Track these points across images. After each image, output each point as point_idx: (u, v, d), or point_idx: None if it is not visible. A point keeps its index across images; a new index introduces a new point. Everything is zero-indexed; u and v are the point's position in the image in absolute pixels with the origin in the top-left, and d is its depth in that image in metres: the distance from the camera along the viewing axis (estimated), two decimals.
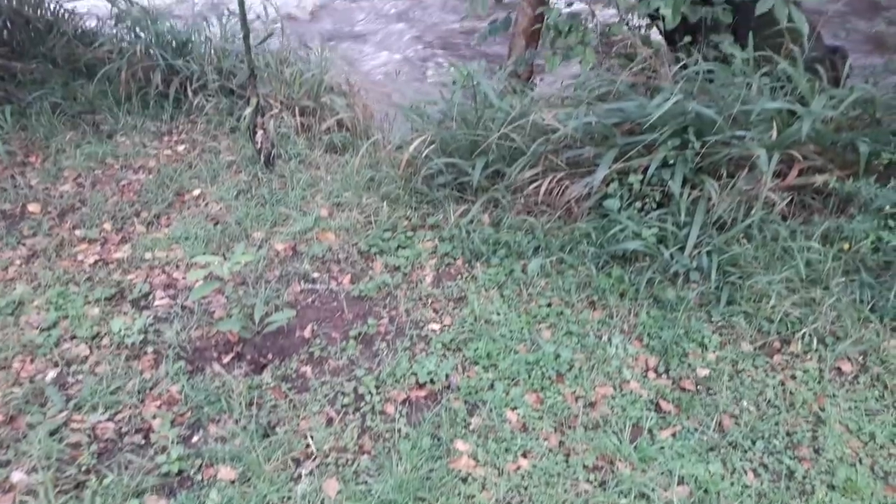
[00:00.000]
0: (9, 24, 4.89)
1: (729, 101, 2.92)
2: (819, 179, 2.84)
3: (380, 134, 4.14)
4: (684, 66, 3.25)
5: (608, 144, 3.01)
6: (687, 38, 3.53)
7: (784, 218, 2.85)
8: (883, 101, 3.03)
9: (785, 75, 3.15)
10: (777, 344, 2.51)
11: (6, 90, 4.27)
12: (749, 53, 3.24)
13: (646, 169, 2.88)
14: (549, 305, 2.72)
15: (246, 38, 3.36)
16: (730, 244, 2.72)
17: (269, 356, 2.51)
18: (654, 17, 3.60)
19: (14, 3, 4.92)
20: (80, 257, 3.07)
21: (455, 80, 3.59)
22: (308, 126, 4.18)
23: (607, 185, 2.96)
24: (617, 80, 3.30)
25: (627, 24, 3.94)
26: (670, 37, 3.75)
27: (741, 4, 3.32)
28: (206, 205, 3.45)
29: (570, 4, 4.07)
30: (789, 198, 2.86)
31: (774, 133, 2.82)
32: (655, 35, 3.96)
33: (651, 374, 2.42)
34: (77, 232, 3.22)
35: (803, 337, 2.48)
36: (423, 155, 3.41)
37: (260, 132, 3.61)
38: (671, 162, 2.83)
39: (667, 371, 2.43)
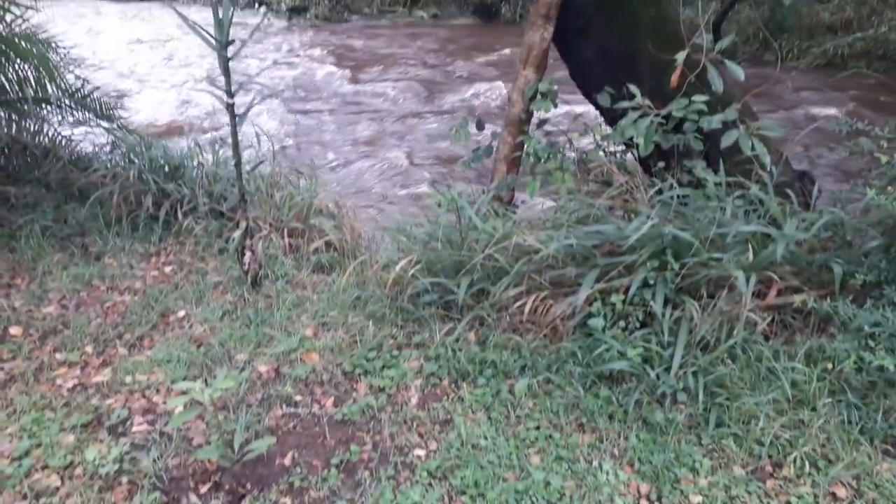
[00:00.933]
0: (6, 151, 5.04)
1: (704, 224, 3.03)
2: (797, 299, 2.90)
3: (367, 254, 4.21)
4: (660, 191, 3.39)
5: (589, 265, 3.07)
6: (661, 164, 3.70)
7: (766, 338, 2.88)
8: (851, 224, 3.15)
9: (757, 199, 3.29)
10: (769, 468, 2.46)
11: None
12: (721, 178, 3.40)
13: (627, 289, 2.93)
14: (537, 428, 2.67)
15: (238, 164, 3.49)
16: (715, 365, 2.73)
17: (248, 486, 2.42)
18: (629, 144, 3.79)
19: (13, 130, 5.11)
20: (58, 381, 3.00)
21: (440, 204, 3.72)
22: (296, 247, 4.25)
23: (590, 304, 2.99)
24: (595, 204, 3.42)
25: (604, 150, 4.14)
26: (645, 162, 3.93)
27: (710, 133, 3.51)
28: (191, 326, 3.43)
29: (547, 135, 4.29)
30: (770, 318, 2.90)
31: (751, 255, 2.90)
32: (631, 160, 4.15)
33: (643, 502, 2.35)
34: (58, 355, 3.17)
35: (795, 460, 2.43)
36: (410, 274, 3.45)
37: (248, 253, 3.67)
38: (652, 282, 2.89)
39: (659, 498, 2.35)
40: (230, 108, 3.33)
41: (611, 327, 2.89)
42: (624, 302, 2.92)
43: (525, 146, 4.05)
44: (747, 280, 2.77)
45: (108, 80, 5.38)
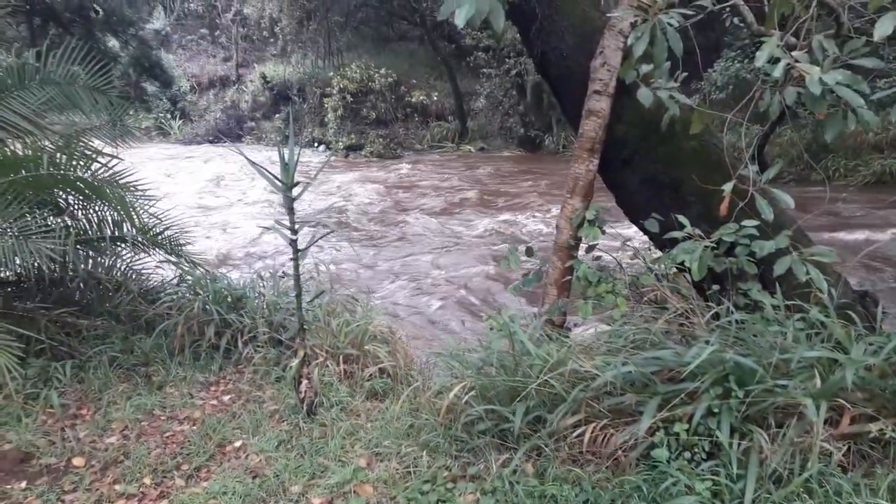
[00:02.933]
0: (82, 285, 5.36)
1: (766, 349, 2.96)
2: (873, 428, 2.75)
3: (420, 380, 4.21)
4: (716, 315, 3.35)
5: (649, 392, 3.01)
6: (715, 287, 3.68)
7: (844, 470, 2.71)
8: None
9: (818, 322, 3.21)
10: None
11: (70, 346, 4.54)
12: (779, 301, 3.35)
13: (690, 417, 2.84)
14: None
15: (298, 296, 3.62)
16: (790, 500, 2.57)
17: None
18: (681, 268, 3.81)
19: (90, 265, 5.44)
20: None
21: (491, 328, 3.74)
22: (351, 373, 4.29)
23: (653, 434, 2.90)
24: (650, 328, 3.40)
25: (655, 274, 4.15)
26: (698, 285, 3.92)
27: (764, 255, 3.51)
28: (247, 456, 3.43)
29: (597, 258, 4.34)
30: (845, 448, 2.75)
31: (818, 381, 2.80)
32: (684, 283, 4.14)
33: None
34: (117, 486, 3.20)
35: None
36: (463, 401, 3.43)
37: (304, 382, 3.72)
38: (716, 411, 2.80)
39: None
40: (293, 243, 3.51)
41: (676, 459, 2.78)
42: (688, 431, 2.82)
43: (575, 270, 4.10)
44: (817, 408, 2.66)
45: (179, 217, 5.74)
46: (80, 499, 3.11)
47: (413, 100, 21.89)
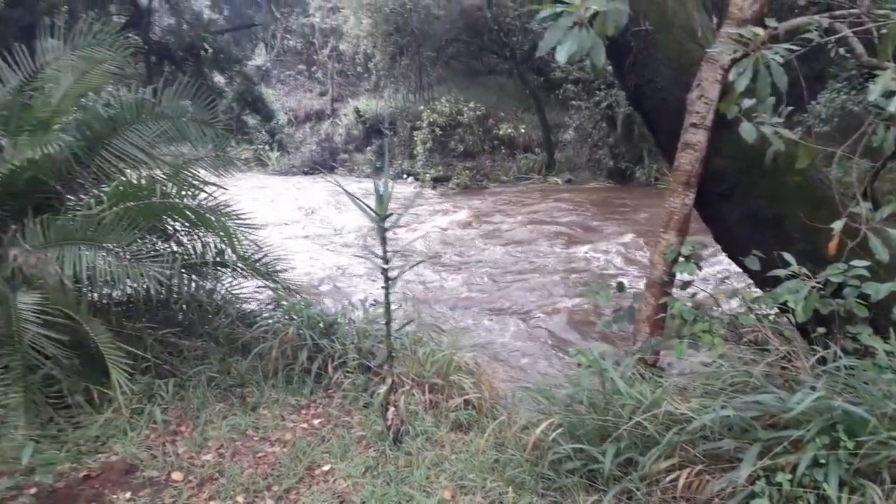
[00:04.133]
0: (184, 307, 5.66)
1: (879, 398, 2.76)
2: None
3: (505, 414, 4.17)
4: (822, 359, 3.16)
5: (749, 438, 2.86)
6: (821, 329, 3.48)
7: None
8: None
9: None
10: None
11: (172, 365, 4.78)
12: (893, 346, 3.13)
13: (794, 467, 2.67)
14: None
15: (387, 324, 3.69)
16: None
17: None
18: (784, 308, 3.62)
19: (192, 289, 5.75)
20: None
21: (580, 364, 3.67)
22: (436, 403, 4.30)
23: (752, 482, 2.75)
24: (750, 371, 3.24)
25: (755, 313, 3.97)
26: (802, 327, 3.71)
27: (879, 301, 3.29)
28: (335, 481, 3.49)
29: (693, 295, 4.20)
30: None
31: None
32: (787, 324, 3.93)
33: None
34: (212, 503, 3.32)
35: None
36: (550, 438, 3.37)
37: (392, 409, 3.76)
38: (823, 462, 2.62)
39: None
40: (385, 272, 3.59)
41: None
42: (792, 482, 2.66)
43: (669, 308, 3.97)
44: None
45: (276, 244, 5.99)
46: None
47: (500, 132, 22.06)
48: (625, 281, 4.71)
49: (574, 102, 19.98)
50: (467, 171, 21.05)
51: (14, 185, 4.51)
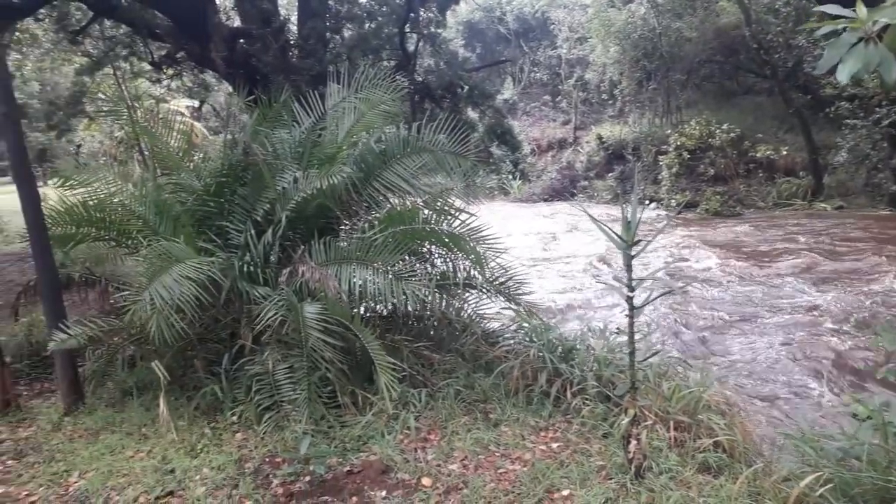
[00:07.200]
0: (436, 324, 6.09)
1: None
2: None
3: (762, 461, 3.82)
4: None
5: None
6: None
7: None
8: None
9: None
10: None
11: (424, 376, 5.17)
12: None
13: None
14: None
15: (631, 354, 3.62)
16: None
17: None
18: None
19: (443, 307, 6.17)
20: None
21: (857, 415, 3.25)
22: (681, 441, 4.09)
23: None
24: None
25: None
26: None
27: None
28: None
29: None
30: None
31: None
32: None
33: None
34: None
35: None
36: (817, 493, 3.02)
37: (633, 442, 3.66)
38: None
39: None
40: (629, 300, 3.53)
41: None
42: None
43: None
44: None
45: (517, 269, 6.20)
46: None
47: (758, 155, 20.33)
48: None
49: (848, 121, 17.69)
50: (717, 196, 19.72)
51: (304, 211, 5.28)
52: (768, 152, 20.27)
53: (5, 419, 5.01)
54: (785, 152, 20.23)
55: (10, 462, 4.38)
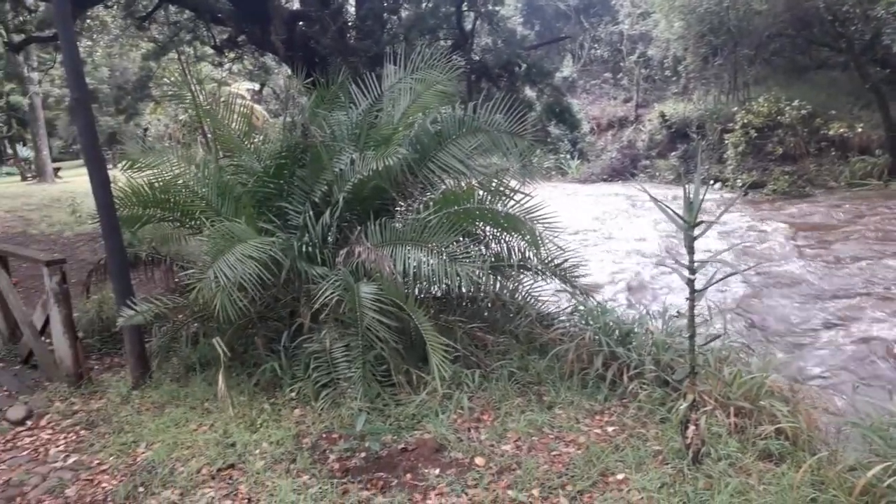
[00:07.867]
0: (489, 305, 6.08)
1: None
2: None
3: (827, 449, 3.68)
4: None
5: None
6: None
7: None
8: None
9: None
10: None
11: (478, 357, 5.17)
12: None
13: None
14: None
15: (691, 337, 3.52)
16: None
17: None
18: None
19: (497, 288, 6.15)
20: None
21: None
22: (742, 428, 3.98)
23: None
24: None
25: None
26: None
27: None
28: (629, 492, 3.45)
29: None
30: None
31: None
32: None
33: None
34: (510, 492, 3.53)
35: None
36: (885, 484, 2.90)
37: (692, 427, 3.58)
38: None
39: None
40: (690, 283, 3.44)
41: None
42: None
43: None
44: None
45: (574, 250, 6.11)
46: (480, 496, 3.51)
47: (830, 132, 19.37)
48: None
49: None
50: (786, 176, 18.92)
51: (361, 193, 5.33)
52: (841, 130, 19.28)
53: (78, 391, 5.29)
54: (860, 130, 19.20)
55: (83, 432, 4.62)
